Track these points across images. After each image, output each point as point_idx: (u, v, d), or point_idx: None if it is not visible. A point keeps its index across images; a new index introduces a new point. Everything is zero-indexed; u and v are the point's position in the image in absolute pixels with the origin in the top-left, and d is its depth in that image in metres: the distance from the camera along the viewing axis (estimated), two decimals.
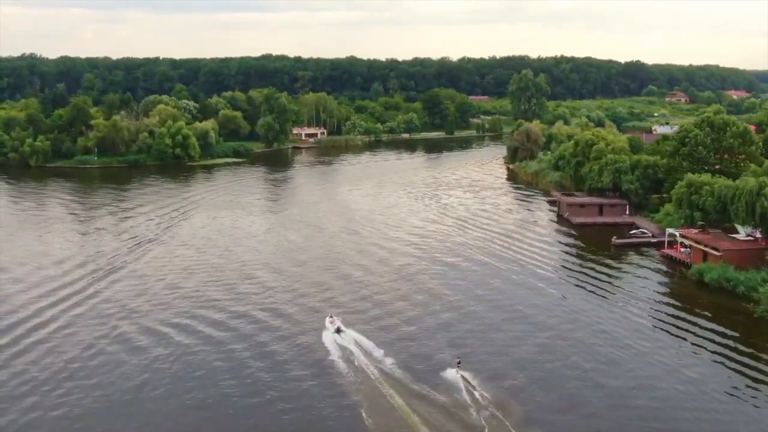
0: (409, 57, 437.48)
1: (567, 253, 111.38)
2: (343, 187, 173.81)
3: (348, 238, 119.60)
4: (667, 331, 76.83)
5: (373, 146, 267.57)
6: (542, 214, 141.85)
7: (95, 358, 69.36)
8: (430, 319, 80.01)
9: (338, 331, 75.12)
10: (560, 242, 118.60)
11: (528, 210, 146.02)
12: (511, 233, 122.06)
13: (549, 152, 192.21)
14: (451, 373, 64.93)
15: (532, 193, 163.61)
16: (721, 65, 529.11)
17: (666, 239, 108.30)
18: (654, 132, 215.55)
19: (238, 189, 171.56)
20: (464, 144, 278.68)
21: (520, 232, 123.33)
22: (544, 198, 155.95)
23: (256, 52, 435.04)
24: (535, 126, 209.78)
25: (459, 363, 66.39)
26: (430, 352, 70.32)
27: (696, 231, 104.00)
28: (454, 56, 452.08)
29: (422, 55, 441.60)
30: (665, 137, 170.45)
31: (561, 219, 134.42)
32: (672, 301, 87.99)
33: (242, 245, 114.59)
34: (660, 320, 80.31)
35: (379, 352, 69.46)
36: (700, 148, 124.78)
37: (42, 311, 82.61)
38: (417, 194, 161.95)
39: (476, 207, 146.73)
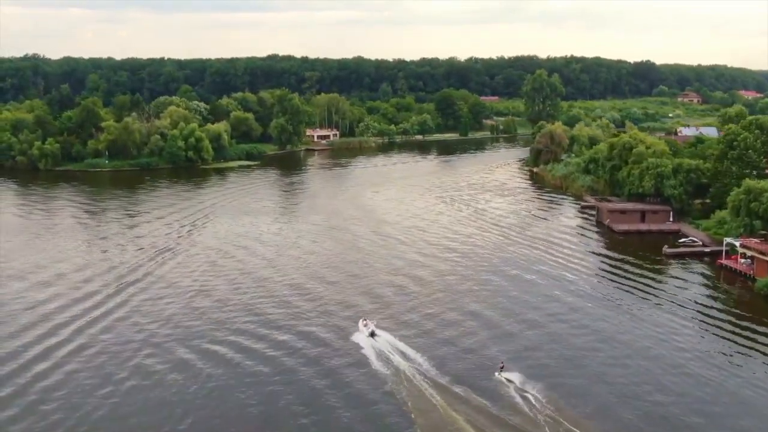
0: (411, 57, 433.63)
1: (619, 261, 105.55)
2: (366, 191, 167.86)
3: (384, 245, 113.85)
4: (757, 350, 71.38)
5: (387, 148, 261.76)
6: (579, 220, 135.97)
7: (139, 381, 63.80)
8: (494, 342, 74.19)
9: (372, 334, 72.16)
10: (608, 250, 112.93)
11: (563, 215, 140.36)
12: (556, 241, 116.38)
13: (573, 155, 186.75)
14: (497, 378, 62.39)
15: (563, 198, 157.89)
16: (728, 65, 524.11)
17: (723, 249, 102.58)
18: (680, 134, 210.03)
19: (257, 193, 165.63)
20: (479, 146, 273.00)
21: (567, 239, 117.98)
22: (577, 203, 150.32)
23: (257, 52, 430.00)
24: (559, 128, 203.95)
25: (502, 367, 63.72)
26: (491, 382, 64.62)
27: (757, 240, 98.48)
28: (456, 56, 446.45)
29: (425, 55, 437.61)
30: (699, 139, 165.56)
31: (601, 226, 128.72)
32: (747, 314, 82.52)
33: (278, 253, 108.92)
34: (742, 337, 75.08)
35: (435, 373, 64.24)
36: (750, 151, 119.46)
37: (67, 325, 76.93)
38: (445, 198, 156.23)
39: (510, 212, 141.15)
